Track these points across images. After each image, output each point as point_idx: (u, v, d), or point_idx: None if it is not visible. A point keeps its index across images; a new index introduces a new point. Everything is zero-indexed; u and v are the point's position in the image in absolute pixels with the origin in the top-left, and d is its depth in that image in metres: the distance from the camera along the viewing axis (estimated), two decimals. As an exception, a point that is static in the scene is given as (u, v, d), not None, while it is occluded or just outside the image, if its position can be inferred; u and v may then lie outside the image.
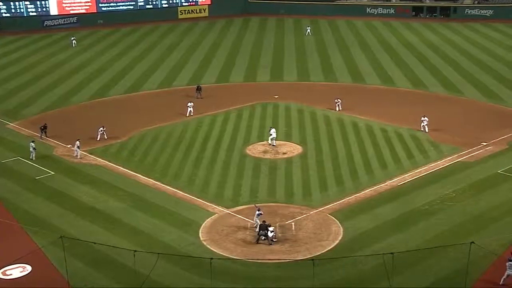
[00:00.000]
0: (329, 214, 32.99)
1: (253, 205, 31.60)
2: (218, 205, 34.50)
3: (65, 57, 73.66)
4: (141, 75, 66.54)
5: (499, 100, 54.61)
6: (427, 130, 45.36)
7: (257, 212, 30.87)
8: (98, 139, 44.59)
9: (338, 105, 51.61)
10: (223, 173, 39.56)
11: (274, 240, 29.92)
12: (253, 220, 31.28)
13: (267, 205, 33.31)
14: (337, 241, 29.84)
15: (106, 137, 44.82)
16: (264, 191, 36.58)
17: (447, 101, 55.39)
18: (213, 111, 53.53)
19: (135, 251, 26.20)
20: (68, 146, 44.51)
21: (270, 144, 40.44)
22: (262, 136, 47.51)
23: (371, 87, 61.47)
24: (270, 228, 29.69)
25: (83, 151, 43.33)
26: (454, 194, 35.16)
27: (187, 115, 51.02)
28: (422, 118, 46.02)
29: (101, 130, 45.34)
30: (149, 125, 49.74)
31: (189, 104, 51.49)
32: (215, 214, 33.39)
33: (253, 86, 63.14)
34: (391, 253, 25.82)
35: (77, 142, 42.12)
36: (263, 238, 29.71)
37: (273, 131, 42.41)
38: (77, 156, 41.41)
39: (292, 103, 56.33)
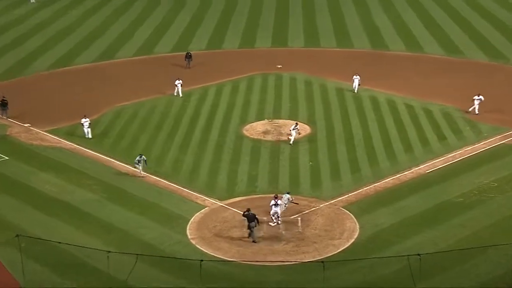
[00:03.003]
0: (343, 208, 32.88)
1: (273, 196, 30.85)
2: (209, 196, 34.41)
3: (21, 15, 72.69)
4: (115, 40, 66.06)
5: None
6: (477, 112, 44.46)
7: (275, 202, 30.20)
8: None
9: (357, 82, 50.35)
10: (215, 159, 39.44)
11: (279, 222, 30.24)
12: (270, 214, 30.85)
13: (268, 196, 33.06)
14: (352, 240, 29.78)
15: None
16: (264, 179, 36.46)
17: (488, 69, 55.02)
18: (203, 84, 53.30)
19: (109, 252, 26.04)
20: (26, 125, 44.12)
21: (290, 143, 40.18)
22: (261, 114, 47.51)
23: (394, 54, 61.08)
24: (285, 198, 30.37)
25: (43, 131, 43.00)
26: (495, 184, 34.91)
27: (175, 94, 50.69)
28: (476, 97, 44.53)
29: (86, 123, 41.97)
30: (126, 100, 49.54)
31: (177, 82, 50.77)
32: (206, 207, 33.32)
33: (251, 54, 62.83)
34: (418, 254, 25.55)
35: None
36: (249, 232, 29.57)
37: (293, 128, 40.98)
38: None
39: (298, 74, 56.20)
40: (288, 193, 32.26)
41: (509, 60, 57.13)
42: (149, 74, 56.63)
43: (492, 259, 27.54)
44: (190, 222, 31.72)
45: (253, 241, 29.53)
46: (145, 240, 30.09)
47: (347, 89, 51.71)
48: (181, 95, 50.49)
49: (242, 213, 30.10)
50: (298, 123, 42.10)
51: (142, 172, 36.17)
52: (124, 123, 45.53)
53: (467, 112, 44.90)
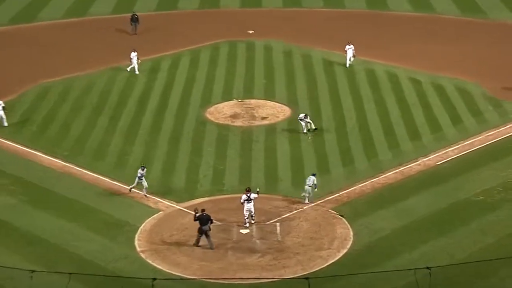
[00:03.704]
0: (332, 210, 33.01)
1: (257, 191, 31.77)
2: (163, 197, 34.38)
3: None
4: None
5: None
6: None
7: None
8: None
9: (351, 53, 50.30)
10: (171, 150, 39.36)
11: (253, 221, 31.14)
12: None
13: (238, 196, 32.85)
14: (344, 250, 29.90)
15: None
16: (233, 175, 36.47)
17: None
18: (153, 54, 52.95)
19: (33, 271, 25.57)
20: None
21: (306, 132, 40.18)
22: (229, 93, 47.51)
23: (396, 15, 61.43)
24: (252, 195, 31.30)
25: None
26: (525, 178, 35.48)
27: (129, 70, 50.17)
28: None
29: None
30: (54, 76, 49.04)
31: (133, 54, 50.09)
32: (160, 211, 33.29)
33: (215, 15, 62.68)
34: (427, 267, 25.50)
35: None
36: (197, 238, 29.78)
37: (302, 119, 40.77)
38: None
39: (275, 42, 56.20)
40: (313, 174, 33.27)
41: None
42: (84, 41, 55.95)
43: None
44: (139, 231, 31.58)
45: (210, 248, 29.85)
46: (80, 254, 29.82)
47: (338, 61, 51.78)
48: (137, 71, 50.00)
49: (194, 213, 30.20)
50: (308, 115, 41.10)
51: (146, 193, 34.06)
52: (51, 105, 45.03)
53: None
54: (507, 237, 30.23)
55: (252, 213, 31.52)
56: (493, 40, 54.84)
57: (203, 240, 30.12)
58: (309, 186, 33.07)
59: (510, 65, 49.71)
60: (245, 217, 31.57)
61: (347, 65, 50.30)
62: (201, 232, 29.94)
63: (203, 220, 29.87)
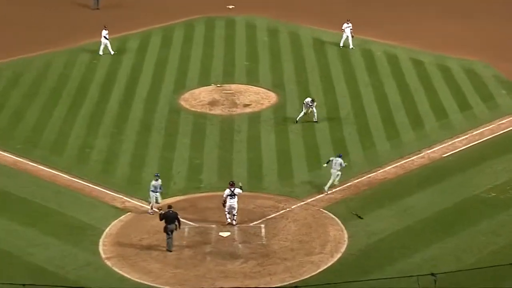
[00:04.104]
0: (324, 209, 33.15)
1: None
2: (132, 197, 34.42)
3: None
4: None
5: None
6: None
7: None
8: None
9: (349, 32, 50.38)
10: (141, 142, 39.41)
11: (234, 220, 31.41)
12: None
13: (218, 194, 33.00)
14: (338, 255, 30.01)
15: None
16: (212, 171, 36.59)
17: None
18: (119, 33, 52.93)
19: (-20, 281, 25.70)
20: None
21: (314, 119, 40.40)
22: (206, 77, 47.54)
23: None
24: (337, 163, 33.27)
25: None
26: (542, 171, 35.82)
27: (101, 53, 50.06)
28: None
29: None
30: (2, 57, 48.91)
31: (104, 32, 49.82)
32: (128, 212, 33.32)
33: None
34: (432, 274, 25.74)
35: None
36: (167, 237, 30.07)
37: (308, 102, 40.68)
38: None
39: (258, 18, 56.38)
40: (340, 156, 34.10)
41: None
42: (37, 17, 55.82)
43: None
44: (104, 235, 31.57)
45: (168, 250, 30.06)
46: (36, 263, 29.74)
47: (330, 40, 51.90)
48: (112, 52, 49.89)
49: (159, 212, 30.45)
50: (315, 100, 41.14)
51: (154, 206, 32.75)
52: (0, 90, 45.01)
53: None
54: (522, 239, 30.59)
55: (235, 211, 31.68)
56: (504, 15, 55.21)
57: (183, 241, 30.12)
58: (338, 170, 33.76)
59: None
60: (226, 213, 31.69)
61: (347, 45, 50.37)
62: (167, 232, 30.04)
63: (169, 218, 30.01)
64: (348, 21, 50.44)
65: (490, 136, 39.04)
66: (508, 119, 40.67)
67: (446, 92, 44.09)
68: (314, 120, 40.65)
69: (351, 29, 50.39)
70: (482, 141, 38.59)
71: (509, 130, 39.62)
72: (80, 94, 44.82)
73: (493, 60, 47.87)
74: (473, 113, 41.64)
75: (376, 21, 53.97)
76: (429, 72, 46.82)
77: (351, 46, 50.49)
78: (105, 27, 49.85)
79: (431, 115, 41.39)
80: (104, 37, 49.63)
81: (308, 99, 40.92)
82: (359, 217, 32.21)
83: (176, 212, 30.24)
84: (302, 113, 40.75)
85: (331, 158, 34.52)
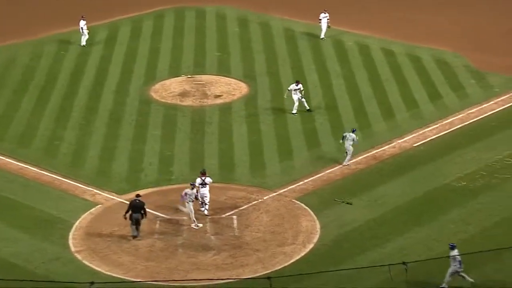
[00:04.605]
0: (296, 200, 33.28)
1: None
2: (102, 189, 34.32)
3: None
4: None
5: None
6: None
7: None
8: None
9: (325, 23, 50.39)
10: (110, 134, 39.31)
11: (207, 209, 31.52)
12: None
13: (188, 186, 32.62)
14: (310, 246, 30.13)
15: None
16: (183, 162, 36.57)
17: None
18: (88, 23, 52.08)
19: None
20: None
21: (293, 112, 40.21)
22: (177, 68, 47.47)
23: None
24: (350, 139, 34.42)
25: None
26: (511, 160, 36.05)
27: (83, 43, 49.67)
28: None
29: None
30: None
31: (82, 23, 49.34)
32: (98, 205, 33.22)
33: None
34: (404, 263, 25.96)
35: None
36: (134, 230, 30.12)
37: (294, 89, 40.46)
38: None
39: (228, 8, 56.35)
40: (354, 130, 35.32)
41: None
42: (1, 6, 55.04)
43: (509, 267, 28.31)
44: (74, 228, 31.42)
45: (134, 236, 30.27)
46: (3, 257, 29.52)
47: (301, 30, 51.97)
48: (83, 43, 49.61)
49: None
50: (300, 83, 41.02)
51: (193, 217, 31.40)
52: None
53: None
54: (492, 227, 30.85)
55: (206, 200, 31.78)
56: (473, 5, 55.65)
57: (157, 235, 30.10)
58: (350, 145, 34.93)
59: (494, 33, 50.61)
60: (199, 203, 31.74)
61: (322, 37, 50.41)
62: (133, 220, 30.13)
63: (135, 207, 30.10)
64: (325, 11, 50.43)
65: (460, 126, 39.41)
66: (477, 109, 41.05)
67: (417, 82, 44.40)
68: (307, 109, 40.63)
69: (328, 19, 50.44)
70: (452, 131, 38.95)
71: (478, 119, 39.99)
72: (48, 86, 44.51)
73: (463, 49, 48.25)
74: (443, 103, 41.97)
75: (347, 11, 54.07)
76: (400, 62, 47.10)
77: (322, 36, 50.52)
78: (82, 17, 49.48)
79: (402, 105, 41.67)
80: (83, 28, 49.24)
81: (292, 85, 40.72)
82: (348, 203, 32.37)
83: (143, 202, 30.31)
84: (296, 103, 40.50)
85: (344, 134, 35.31)
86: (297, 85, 40.62)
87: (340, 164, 35.51)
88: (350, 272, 27.27)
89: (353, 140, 35.20)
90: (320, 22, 50.36)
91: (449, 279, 26.94)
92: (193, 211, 30.91)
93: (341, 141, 35.79)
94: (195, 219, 30.94)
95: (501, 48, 48.05)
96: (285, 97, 41.04)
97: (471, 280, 26.86)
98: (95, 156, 37.10)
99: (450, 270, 26.86)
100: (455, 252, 26.92)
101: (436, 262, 27.34)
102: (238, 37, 51.56)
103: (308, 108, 40.83)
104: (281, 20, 53.75)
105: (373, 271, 27.23)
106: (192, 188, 30.97)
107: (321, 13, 50.38)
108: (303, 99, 40.64)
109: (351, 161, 35.62)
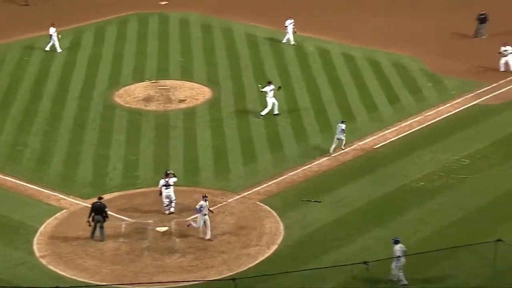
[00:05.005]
0: (260, 202, 33.33)
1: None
2: (67, 194, 34.08)
3: None
4: None
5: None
6: None
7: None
8: None
9: (291, 29, 50.64)
10: (75, 139, 39.03)
11: (172, 208, 31.72)
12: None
13: (153, 189, 32.98)
14: (274, 247, 30.22)
15: None
16: (148, 166, 36.46)
17: (460, 3, 57.06)
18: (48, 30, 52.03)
19: None
20: None
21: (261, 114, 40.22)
22: (140, 73, 47.29)
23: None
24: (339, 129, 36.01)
25: None
26: (467, 161, 36.42)
27: (48, 48, 49.18)
28: (503, 48, 45.68)
29: None
30: None
31: (52, 31, 48.88)
32: (63, 210, 32.97)
33: None
34: (365, 262, 26.35)
35: None
36: (97, 230, 30.09)
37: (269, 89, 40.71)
38: None
39: (192, 14, 56.27)
40: (343, 121, 36.58)
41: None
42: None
43: (464, 264, 28.73)
44: (38, 233, 31.15)
45: (97, 239, 30.19)
46: (-33, 262, 29.18)
47: (263, 36, 52.12)
48: (48, 49, 49.09)
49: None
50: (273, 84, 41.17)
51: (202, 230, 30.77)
52: None
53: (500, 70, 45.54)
54: (448, 227, 31.22)
55: (173, 199, 31.80)
56: (429, 11, 56.25)
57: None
58: (340, 135, 36.34)
59: (449, 37, 51.23)
60: (164, 204, 31.73)
61: (292, 43, 50.60)
62: (95, 222, 30.11)
63: (96, 209, 30.10)
64: (291, 17, 50.62)
65: (418, 128, 39.80)
66: (434, 111, 41.50)
67: (376, 86, 44.76)
68: (276, 113, 40.75)
69: (293, 25, 50.63)
70: (410, 132, 39.31)
71: (435, 121, 40.42)
72: (11, 92, 44.06)
73: (420, 54, 48.78)
74: (402, 106, 42.38)
75: (307, 17, 54.30)
76: (359, 67, 47.44)
77: (284, 41, 50.71)
78: (53, 24, 49.04)
79: (362, 108, 41.98)
80: (53, 35, 48.83)
81: (267, 87, 40.73)
82: (316, 201, 32.53)
83: (104, 204, 30.29)
84: (269, 107, 40.57)
85: (338, 125, 36.72)
86: (270, 86, 40.74)
87: (340, 150, 36.99)
88: (313, 272, 27.44)
89: (343, 130, 36.32)
90: (286, 29, 50.55)
91: (400, 273, 27.24)
92: (201, 223, 30.28)
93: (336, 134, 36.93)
94: (208, 231, 30.22)
95: (457, 53, 48.68)
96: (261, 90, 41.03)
97: (391, 278, 27.23)
98: (59, 161, 36.80)
99: (398, 264, 27.20)
100: (397, 247, 27.29)
101: (405, 261, 27.60)
102: (201, 43, 51.52)
103: (276, 112, 40.91)
104: (244, 26, 53.84)
105: (336, 271, 27.37)
106: (205, 200, 30.26)
107: (287, 19, 50.58)
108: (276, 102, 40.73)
109: (338, 152, 36.84)
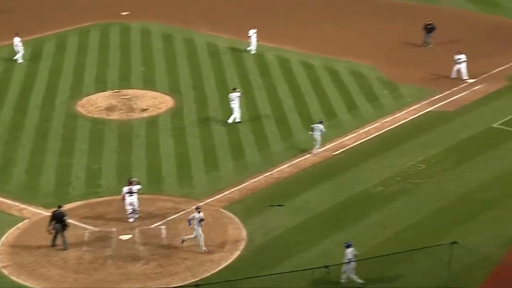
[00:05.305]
0: (223, 209, 33.42)
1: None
2: (29, 203, 33.79)
3: None
4: None
5: (494, 8, 58.35)
6: (465, 77, 45.96)
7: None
8: None
9: (254, 37, 50.91)
10: (37, 149, 38.76)
11: (136, 216, 31.72)
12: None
13: (117, 198, 32.89)
14: (237, 253, 30.31)
15: None
16: (111, 175, 36.34)
17: (410, 11, 58.13)
18: (9, 40, 51.31)
19: None
20: None
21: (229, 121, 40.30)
22: (102, 83, 47.17)
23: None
24: (317, 129, 37.01)
25: None
26: (423, 166, 36.96)
27: (19, 61, 48.70)
28: (456, 57, 46.21)
29: None
30: None
31: (17, 40, 48.48)
32: (25, 219, 32.67)
33: None
34: (326, 266, 26.66)
35: None
36: (58, 238, 30.01)
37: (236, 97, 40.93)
38: None
39: (153, 25, 56.20)
40: (321, 122, 37.55)
41: None
42: None
43: (422, 266, 29.07)
44: (0, 243, 30.86)
45: (60, 248, 30.00)
46: None
47: (224, 45, 52.29)
48: (20, 60, 48.56)
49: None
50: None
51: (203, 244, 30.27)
52: None
53: (453, 77, 46.08)
54: (405, 230, 31.62)
55: (136, 207, 31.72)
56: (386, 20, 56.95)
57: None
58: (318, 135, 37.22)
59: (404, 46, 51.93)
60: (128, 212, 31.68)
61: (253, 52, 50.83)
62: (56, 230, 29.99)
63: (56, 218, 29.96)
64: (254, 27, 50.85)
65: (376, 134, 40.24)
66: (391, 118, 42.00)
67: (335, 94, 45.15)
68: (238, 121, 40.97)
69: (254, 36, 50.83)
70: (368, 139, 39.73)
71: (392, 128, 40.88)
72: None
73: (376, 62, 49.32)
74: (360, 113, 42.81)
75: (267, 26, 54.59)
76: (318, 75, 47.79)
77: (249, 49, 50.92)
78: (16, 34, 48.60)
79: (322, 115, 42.18)
80: (17, 45, 48.42)
81: (233, 94, 40.93)
82: (279, 205, 32.77)
83: (63, 213, 30.15)
84: (235, 114, 40.87)
85: (312, 126, 37.58)
86: (235, 92, 40.97)
87: (311, 153, 37.70)
88: (276, 277, 27.57)
89: (321, 130, 37.16)
90: (250, 38, 50.81)
91: (354, 276, 27.61)
92: (202, 236, 29.88)
93: (310, 132, 37.52)
94: (203, 244, 29.90)
95: (410, 61, 49.35)
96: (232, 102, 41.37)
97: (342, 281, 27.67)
98: (21, 171, 36.45)
99: (349, 267, 27.59)
100: (348, 250, 27.68)
101: (356, 264, 27.87)
102: (163, 52, 51.51)
103: (239, 120, 41.12)
104: (205, 36, 53.96)
105: (299, 275, 27.51)
106: (199, 212, 30.02)
107: (250, 29, 50.85)
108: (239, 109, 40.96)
109: (319, 150, 37.90)
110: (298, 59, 50.14)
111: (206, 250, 29.98)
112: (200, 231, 29.93)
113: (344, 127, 41.12)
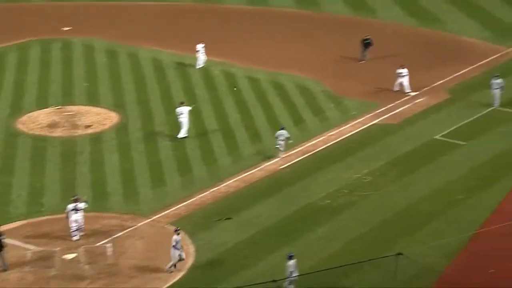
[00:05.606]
0: (170, 225, 33.07)
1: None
2: (-32, 224, 32.74)
3: None
4: None
5: (433, 22, 59.09)
6: (407, 90, 46.34)
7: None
8: None
9: (202, 52, 50.73)
10: (-25, 167, 37.87)
11: (81, 234, 30.97)
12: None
13: (60, 216, 32.26)
14: (185, 269, 30.12)
15: None
16: (54, 193, 35.75)
17: (351, 26, 58.68)
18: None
19: None
20: None
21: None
22: (44, 99, 46.37)
23: (230, 8, 62.79)
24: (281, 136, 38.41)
25: None
26: (369, 178, 37.18)
27: None
28: (399, 71, 46.57)
29: None
30: None
31: None
32: (-35, 241, 31.63)
33: (21, 9, 61.50)
34: (274, 280, 26.51)
35: None
36: None
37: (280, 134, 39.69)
38: None
39: (96, 40, 55.60)
40: (283, 128, 38.47)
41: (376, 13, 61.46)
42: None
43: (369, 278, 29.24)
44: None
45: (0, 269, 29.32)
46: None
47: (169, 60, 52.01)
48: None
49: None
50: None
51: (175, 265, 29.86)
52: None
53: (396, 90, 46.42)
54: (352, 242, 31.75)
55: (81, 225, 31.21)
56: (327, 33, 57.38)
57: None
58: (282, 141, 38.28)
59: (346, 60, 52.37)
60: (72, 230, 31.09)
61: (200, 66, 50.54)
62: None
63: None
64: (202, 41, 50.65)
65: (322, 147, 40.39)
66: (337, 131, 42.16)
67: (280, 107, 45.22)
68: (185, 136, 40.75)
69: (202, 51, 50.61)
70: (315, 152, 39.82)
71: (338, 141, 41.08)
72: None
73: (321, 76, 49.62)
74: (306, 126, 42.92)
75: (212, 41, 54.47)
76: (264, 89, 47.86)
77: (200, 66, 50.70)
78: None
79: (268, 129, 42.20)
80: None
81: (182, 108, 40.79)
82: (227, 218, 32.63)
83: (0, 232, 29.36)
84: (185, 127, 40.71)
85: (276, 134, 38.63)
86: (184, 106, 40.85)
87: (278, 157, 38.66)
88: (224, 293, 27.51)
89: (284, 136, 38.31)
90: (197, 53, 50.59)
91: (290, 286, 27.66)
92: (176, 258, 29.46)
93: (276, 140, 38.60)
94: (175, 265, 29.48)
95: (354, 75, 49.72)
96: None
97: None
98: (-41, 191, 35.57)
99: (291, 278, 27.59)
100: (291, 262, 27.70)
101: (304, 277, 27.90)
102: (106, 68, 50.94)
103: (186, 134, 40.80)
104: (149, 51, 53.57)
105: (246, 290, 27.46)
106: (178, 234, 29.58)
107: (198, 43, 50.65)
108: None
109: (285, 155, 38.88)
110: (243, 74, 50.13)
111: (171, 271, 29.53)
112: (176, 254, 29.43)
113: (290, 140, 41.11)
